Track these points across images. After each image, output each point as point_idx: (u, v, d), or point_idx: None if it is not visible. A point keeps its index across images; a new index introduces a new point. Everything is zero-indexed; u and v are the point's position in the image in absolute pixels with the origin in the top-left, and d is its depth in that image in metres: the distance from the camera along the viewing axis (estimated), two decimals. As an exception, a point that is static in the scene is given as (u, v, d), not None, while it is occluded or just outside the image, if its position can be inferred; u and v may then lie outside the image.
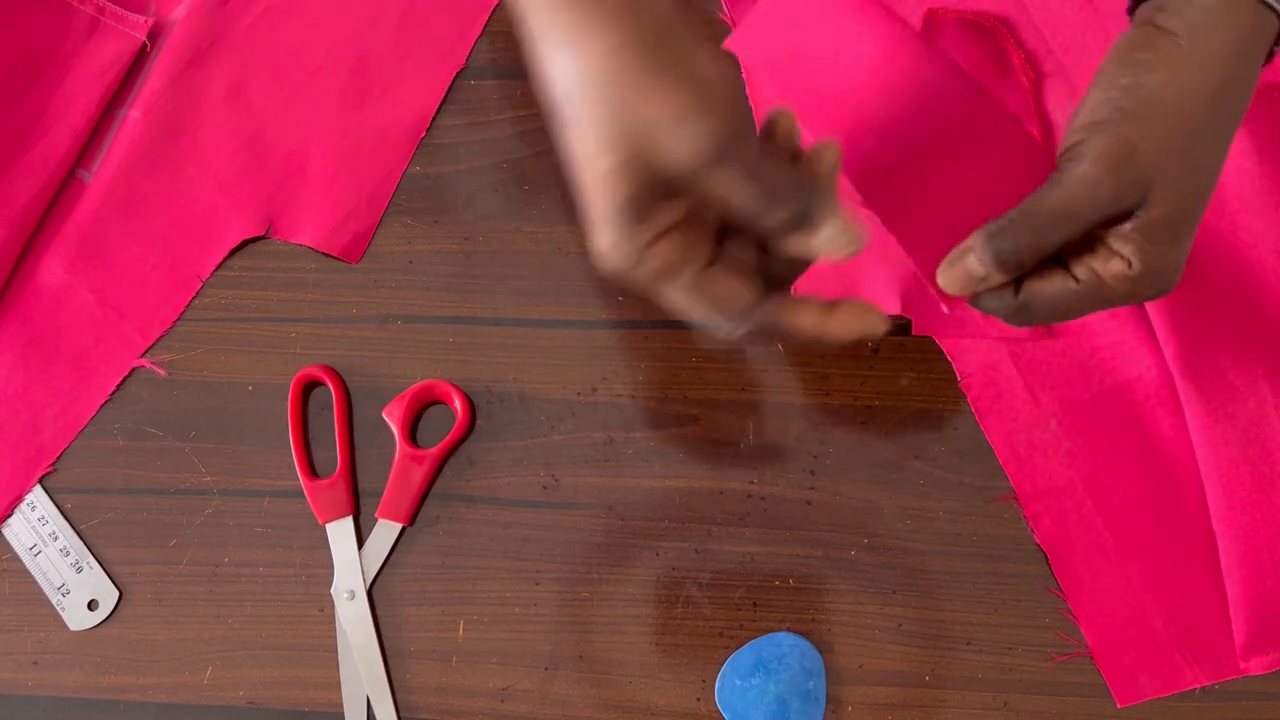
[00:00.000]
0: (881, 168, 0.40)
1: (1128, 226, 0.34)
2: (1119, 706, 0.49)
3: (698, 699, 0.50)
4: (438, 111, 0.57)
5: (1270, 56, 0.35)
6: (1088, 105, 0.34)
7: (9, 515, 0.54)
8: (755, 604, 0.51)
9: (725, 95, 0.32)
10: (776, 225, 0.34)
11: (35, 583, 0.53)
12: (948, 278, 0.36)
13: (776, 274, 0.36)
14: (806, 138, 0.37)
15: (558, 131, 0.32)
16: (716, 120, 0.31)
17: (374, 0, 0.59)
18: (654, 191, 0.31)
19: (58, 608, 0.53)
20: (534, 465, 0.53)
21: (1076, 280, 0.35)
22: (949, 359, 0.52)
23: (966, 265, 0.35)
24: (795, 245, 0.34)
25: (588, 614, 0.51)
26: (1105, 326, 0.52)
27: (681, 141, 0.30)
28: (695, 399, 0.53)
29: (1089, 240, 0.35)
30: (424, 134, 0.57)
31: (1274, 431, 0.49)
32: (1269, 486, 0.48)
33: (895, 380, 0.53)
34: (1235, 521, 0.48)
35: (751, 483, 0.52)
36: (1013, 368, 0.52)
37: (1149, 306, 0.50)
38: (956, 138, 0.41)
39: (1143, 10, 0.36)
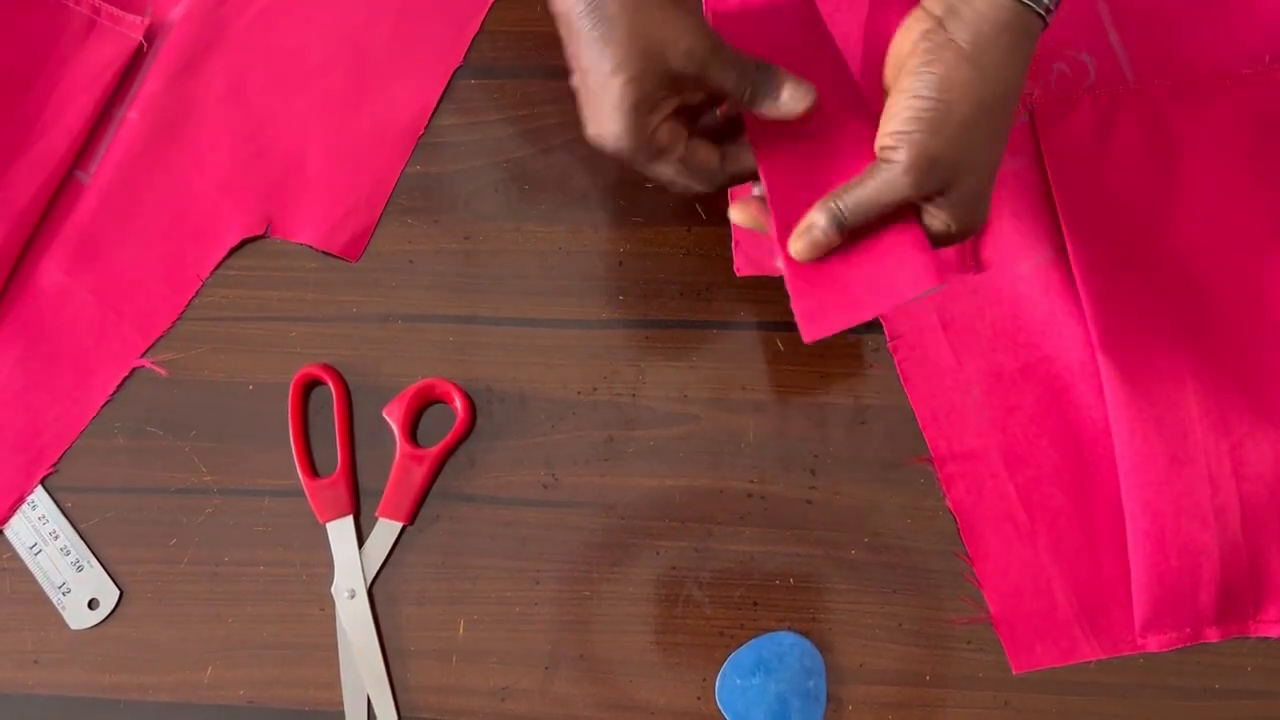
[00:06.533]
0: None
1: (940, 202, 0.42)
2: (1014, 673, 0.49)
3: (698, 698, 0.50)
4: (437, 111, 0.57)
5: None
6: (896, 113, 0.41)
7: (10, 516, 0.54)
8: (756, 603, 0.51)
9: (704, 17, 0.43)
10: (750, 96, 0.43)
11: (36, 582, 0.53)
12: (799, 245, 0.43)
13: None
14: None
15: (568, 48, 0.42)
16: (710, 33, 0.42)
17: (371, -1, 0.59)
18: (660, 90, 0.42)
19: (58, 607, 0.53)
20: (534, 464, 0.53)
21: None
22: (881, 321, 0.53)
23: (813, 235, 0.43)
24: (768, 109, 0.43)
25: (588, 613, 0.51)
26: (1036, 300, 0.52)
27: (693, 49, 0.41)
28: (695, 399, 0.53)
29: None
30: (422, 132, 0.57)
31: (1190, 414, 0.49)
32: (1180, 466, 0.48)
33: (895, 380, 0.53)
34: (1144, 499, 0.48)
35: (752, 482, 0.52)
36: (941, 334, 0.52)
37: (1081, 286, 0.51)
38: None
39: (930, 3, 0.41)
